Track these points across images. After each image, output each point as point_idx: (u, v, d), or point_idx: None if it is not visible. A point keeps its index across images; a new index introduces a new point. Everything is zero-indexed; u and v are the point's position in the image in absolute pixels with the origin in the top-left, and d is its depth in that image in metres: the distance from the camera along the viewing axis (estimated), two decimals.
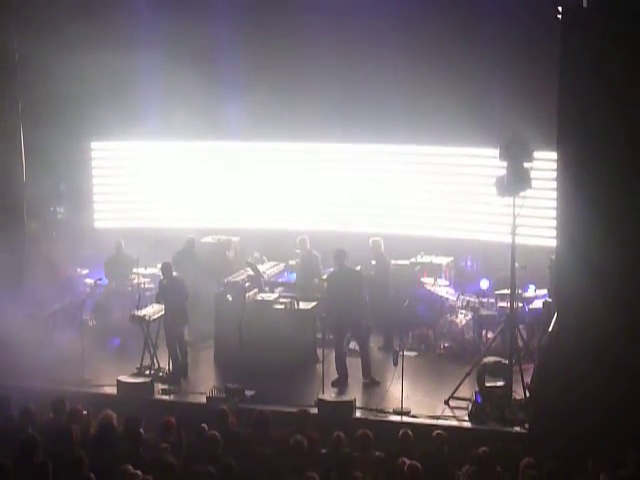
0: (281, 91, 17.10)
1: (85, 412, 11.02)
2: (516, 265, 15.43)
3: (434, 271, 16.24)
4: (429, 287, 15.75)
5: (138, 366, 14.01)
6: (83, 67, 16.77)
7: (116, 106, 17.33)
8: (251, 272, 15.67)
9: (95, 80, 17.08)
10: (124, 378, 13.44)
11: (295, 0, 16.83)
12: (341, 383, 13.75)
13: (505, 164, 12.24)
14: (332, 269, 14.59)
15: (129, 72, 17.17)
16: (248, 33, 16.85)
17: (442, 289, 15.77)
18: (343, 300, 13.90)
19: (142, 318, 14.21)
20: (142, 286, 16.01)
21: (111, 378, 13.55)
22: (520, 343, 13.09)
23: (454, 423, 12.32)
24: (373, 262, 15.72)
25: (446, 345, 15.04)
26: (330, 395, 12.98)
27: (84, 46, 16.10)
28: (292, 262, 16.63)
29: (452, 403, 12.85)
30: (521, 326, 13.70)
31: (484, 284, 15.83)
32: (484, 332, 14.89)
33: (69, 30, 15.84)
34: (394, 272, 15.89)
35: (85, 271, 17.07)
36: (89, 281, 16.36)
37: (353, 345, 15.16)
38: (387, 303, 15.25)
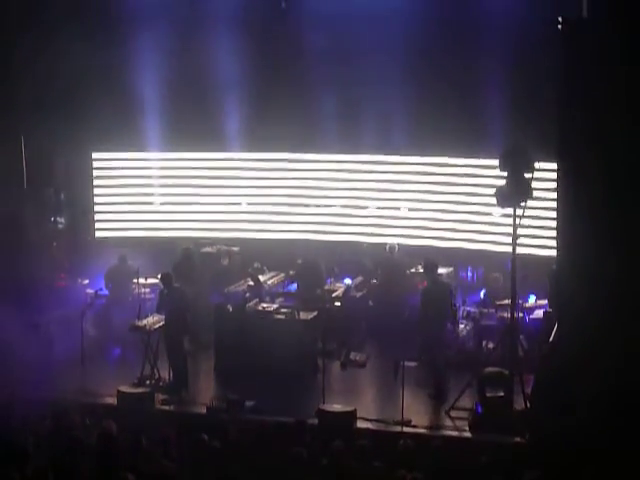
0: (282, 101, 17.12)
1: (87, 422, 11.02)
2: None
3: None
4: None
5: (138, 376, 13.99)
6: (85, 77, 16.84)
7: (117, 117, 17.37)
8: (252, 282, 15.68)
9: (96, 90, 17.12)
10: (124, 388, 13.41)
11: (297, 12, 16.85)
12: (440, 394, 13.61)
13: (505, 174, 12.26)
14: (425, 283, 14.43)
15: (131, 83, 17.20)
16: (249, 43, 16.87)
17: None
18: (436, 314, 13.77)
19: (142, 328, 14.20)
20: (143, 296, 16.01)
21: (111, 388, 13.53)
22: (521, 353, 13.07)
23: (455, 433, 12.32)
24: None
25: (447, 355, 15.00)
26: (331, 405, 12.95)
27: (86, 56, 16.15)
28: (292, 272, 16.65)
29: (453, 413, 12.84)
30: (522, 336, 13.69)
31: (484, 294, 15.87)
32: (484, 342, 14.87)
33: (71, 40, 15.88)
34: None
35: (86, 281, 17.08)
36: (90, 291, 16.36)
37: (353, 356, 15.15)
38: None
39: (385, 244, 16.77)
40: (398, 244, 16.68)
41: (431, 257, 14.47)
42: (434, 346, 13.87)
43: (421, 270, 16.34)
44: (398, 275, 16.07)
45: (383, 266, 16.47)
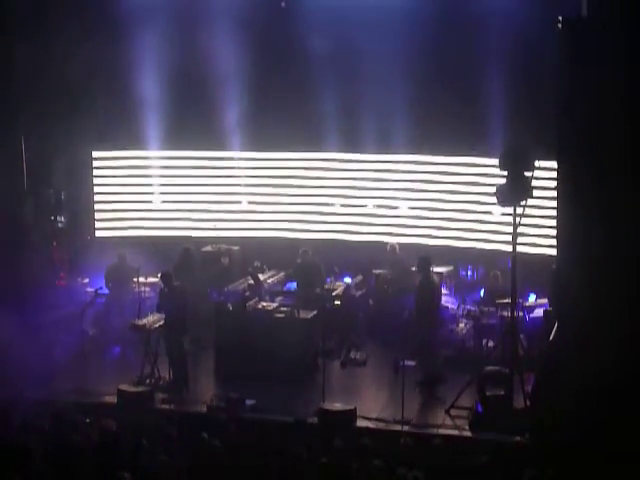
0: (281, 100, 17.13)
1: (87, 421, 11.03)
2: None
3: None
4: None
5: (139, 375, 13.99)
6: (85, 76, 16.85)
7: (117, 115, 17.38)
8: (252, 281, 15.68)
9: (97, 89, 17.12)
10: (125, 387, 13.43)
11: (297, 12, 16.85)
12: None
13: (505, 173, 12.26)
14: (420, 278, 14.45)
15: (131, 82, 17.20)
16: (250, 43, 16.88)
17: (443, 298, 15.76)
18: (428, 310, 13.87)
19: (142, 327, 14.21)
20: (143, 295, 16.02)
21: (112, 387, 13.54)
22: (521, 352, 13.08)
23: (455, 432, 12.33)
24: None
25: (447, 354, 15.01)
26: (331, 404, 12.96)
27: (86, 56, 16.16)
28: (292, 271, 16.64)
29: (453, 412, 12.85)
30: (522, 335, 13.70)
31: (483, 293, 15.88)
32: (485, 341, 14.88)
33: (71, 39, 15.89)
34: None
35: (86, 280, 17.08)
36: (90, 290, 16.36)
37: (353, 354, 15.17)
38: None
39: (386, 244, 16.76)
40: (398, 243, 16.68)
41: (426, 254, 14.44)
42: (429, 342, 13.86)
43: None
44: (401, 274, 16.05)
45: (388, 266, 16.45)
